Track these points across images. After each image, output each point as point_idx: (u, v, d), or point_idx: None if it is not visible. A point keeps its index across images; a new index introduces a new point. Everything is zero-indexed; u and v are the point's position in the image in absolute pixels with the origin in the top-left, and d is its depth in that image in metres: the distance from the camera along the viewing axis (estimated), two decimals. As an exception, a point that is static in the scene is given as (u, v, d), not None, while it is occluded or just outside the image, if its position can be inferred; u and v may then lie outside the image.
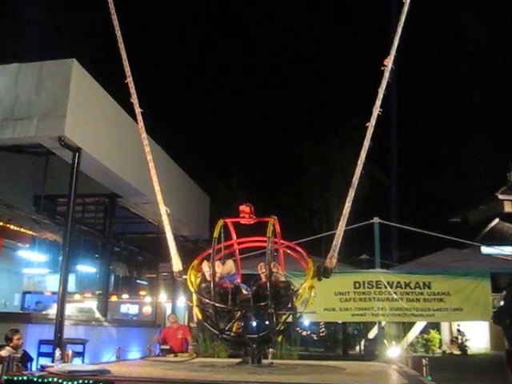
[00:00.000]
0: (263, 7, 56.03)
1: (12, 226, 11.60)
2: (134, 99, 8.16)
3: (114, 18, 8.27)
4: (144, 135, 8.19)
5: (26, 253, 14.83)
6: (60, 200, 14.75)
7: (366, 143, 7.29)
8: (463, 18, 41.60)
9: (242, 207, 7.27)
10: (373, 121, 7.29)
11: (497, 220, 29.18)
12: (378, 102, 7.30)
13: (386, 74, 7.32)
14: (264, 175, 38.37)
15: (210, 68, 57.08)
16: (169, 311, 18.28)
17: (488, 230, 28.46)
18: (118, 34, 8.24)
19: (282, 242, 7.94)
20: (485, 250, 21.54)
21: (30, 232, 12.02)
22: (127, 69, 8.19)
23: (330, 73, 51.40)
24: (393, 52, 7.37)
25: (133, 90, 8.14)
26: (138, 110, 8.16)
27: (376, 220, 12.88)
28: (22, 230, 11.75)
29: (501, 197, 31.36)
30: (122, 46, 8.23)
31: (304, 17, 55.71)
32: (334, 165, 32.39)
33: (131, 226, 18.17)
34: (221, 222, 7.13)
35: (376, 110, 7.28)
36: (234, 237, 8.10)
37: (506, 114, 40.54)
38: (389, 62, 7.30)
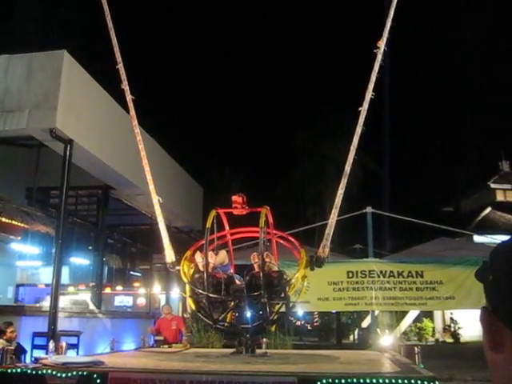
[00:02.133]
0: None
1: (3, 219, 11.54)
2: (125, 86, 8.08)
3: (104, 1, 8.21)
4: (135, 123, 8.15)
5: (18, 245, 14.78)
6: (53, 192, 14.69)
7: (359, 128, 7.27)
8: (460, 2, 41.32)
9: (234, 197, 7.29)
10: (365, 105, 7.25)
11: (489, 209, 29.28)
12: (371, 86, 7.26)
13: (379, 57, 7.27)
14: (257, 166, 38.34)
15: (202, 58, 56.86)
16: (163, 302, 18.29)
17: (480, 218, 28.55)
18: (108, 17, 8.17)
19: (274, 232, 7.97)
20: (477, 238, 21.64)
21: (22, 224, 11.97)
22: (118, 54, 8.11)
23: (323, 62, 51.30)
24: (385, 33, 7.31)
25: (124, 77, 8.06)
26: (129, 97, 8.11)
27: (369, 210, 12.92)
28: (13, 222, 11.69)
29: (493, 186, 31.45)
30: (112, 31, 8.15)
31: (295, 5, 55.41)
32: (327, 155, 32.41)
33: (124, 217, 18.14)
34: (213, 213, 7.14)
35: (369, 94, 7.25)
36: (227, 227, 8.12)
37: (498, 102, 40.61)
38: (381, 44, 7.25)
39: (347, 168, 7.26)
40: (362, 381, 4.56)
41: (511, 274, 0.86)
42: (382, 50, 7.24)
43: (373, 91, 7.23)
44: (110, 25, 8.14)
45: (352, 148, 7.29)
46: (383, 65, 7.26)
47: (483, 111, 41.18)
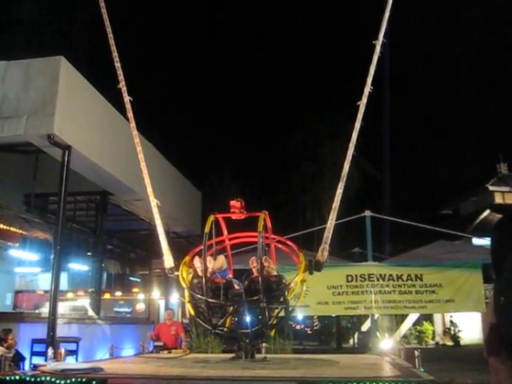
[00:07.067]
0: None
1: (1, 225, 11.51)
2: (123, 86, 7.93)
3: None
4: (133, 125, 8.06)
5: (17, 252, 14.76)
6: (51, 198, 14.66)
7: (358, 124, 7.14)
8: None
9: (232, 202, 7.27)
10: (364, 99, 7.10)
11: (488, 211, 29.30)
12: (370, 79, 7.09)
13: (378, 48, 7.10)
14: (255, 170, 38.34)
15: (199, 61, 56.87)
16: (162, 308, 18.26)
17: (479, 221, 28.58)
18: (105, 16, 8.06)
19: (273, 236, 7.95)
20: (476, 241, 21.64)
21: (20, 231, 11.94)
22: (115, 54, 7.98)
23: (321, 67, 51.34)
24: (384, 24, 7.16)
25: (121, 77, 7.92)
26: (126, 98, 7.97)
27: (368, 213, 12.91)
28: (11, 228, 11.66)
29: (491, 188, 31.50)
30: (109, 29, 8.03)
31: (292, 7, 55.39)
32: (325, 159, 32.41)
33: (123, 223, 18.10)
34: (212, 218, 7.12)
35: (367, 88, 7.10)
36: (225, 232, 8.10)
37: (497, 104, 40.71)
38: (380, 35, 7.11)
39: (346, 166, 7.16)
40: (362, 385, 4.53)
41: None
42: (381, 41, 7.08)
43: (371, 85, 7.07)
44: (107, 23, 8.03)
45: (351, 145, 7.16)
46: (381, 56, 7.05)
47: (482, 113, 41.22)
